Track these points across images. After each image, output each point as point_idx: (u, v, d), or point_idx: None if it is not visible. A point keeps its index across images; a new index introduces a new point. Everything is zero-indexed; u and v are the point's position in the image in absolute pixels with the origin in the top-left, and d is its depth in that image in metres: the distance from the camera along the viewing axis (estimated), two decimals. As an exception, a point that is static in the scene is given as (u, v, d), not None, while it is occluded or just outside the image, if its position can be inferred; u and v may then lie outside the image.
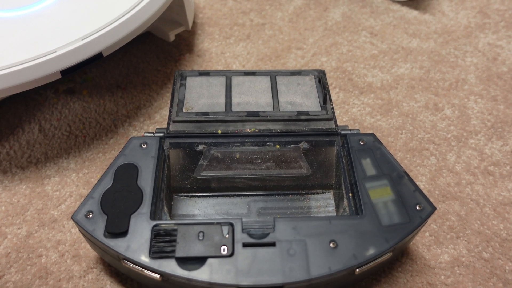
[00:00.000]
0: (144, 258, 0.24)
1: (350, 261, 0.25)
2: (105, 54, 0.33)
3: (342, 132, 0.32)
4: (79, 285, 0.28)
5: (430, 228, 0.32)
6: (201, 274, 0.24)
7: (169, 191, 0.31)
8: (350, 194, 0.29)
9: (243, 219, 0.30)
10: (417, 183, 0.34)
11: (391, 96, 0.41)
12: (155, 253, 0.25)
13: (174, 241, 0.25)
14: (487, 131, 0.38)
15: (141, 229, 0.25)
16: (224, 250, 0.25)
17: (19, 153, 0.36)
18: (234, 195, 0.32)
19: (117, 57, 0.44)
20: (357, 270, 0.25)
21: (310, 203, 0.32)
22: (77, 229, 0.31)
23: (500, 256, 0.30)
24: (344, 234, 0.26)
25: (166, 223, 0.26)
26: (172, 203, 0.31)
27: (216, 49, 0.45)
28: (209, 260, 0.24)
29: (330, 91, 0.40)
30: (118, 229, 0.25)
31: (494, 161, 0.36)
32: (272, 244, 0.25)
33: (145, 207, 0.26)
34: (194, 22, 0.48)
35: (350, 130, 0.32)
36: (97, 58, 0.32)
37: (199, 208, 0.31)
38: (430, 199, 0.33)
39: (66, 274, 0.29)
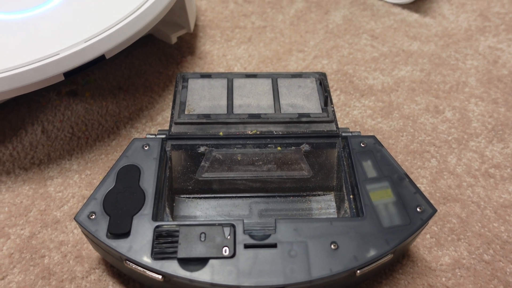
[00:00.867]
0: (146, 259, 0.25)
1: (351, 263, 0.25)
2: (107, 56, 0.33)
3: (343, 134, 0.32)
4: (82, 286, 0.29)
5: (431, 230, 0.32)
6: (202, 275, 0.24)
7: (171, 192, 0.31)
8: (351, 196, 0.29)
9: (245, 221, 0.30)
10: (418, 185, 0.34)
11: (392, 99, 0.41)
12: (157, 254, 0.25)
13: (176, 242, 0.25)
14: (487, 134, 0.38)
15: (143, 230, 0.26)
16: (226, 251, 0.25)
17: (22, 155, 0.36)
18: (235, 197, 0.32)
19: (119, 60, 0.44)
20: (358, 271, 0.25)
21: (311, 205, 0.32)
22: (79, 230, 0.31)
23: (501, 258, 0.30)
24: (345, 235, 0.26)
25: (168, 224, 0.26)
26: (174, 204, 0.31)
27: (217, 51, 0.45)
28: (211, 261, 0.25)
29: (331, 94, 0.40)
30: (120, 230, 0.25)
31: (494, 164, 0.36)
32: (274, 246, 0.25)
33: (147, 208, 0.27)
34: (195, 25, 0.48)
35: (351, 132, 0.32)
36: (100, 60, 0.33)
37: (200, 209, 0.31)
38: (431, 201, 0.33)
39: (69, 274, 0.29)
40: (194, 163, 0.32)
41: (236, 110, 0.33)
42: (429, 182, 0.35)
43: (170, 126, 0.32)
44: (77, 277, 0.29)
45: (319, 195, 0.32)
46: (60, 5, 0.35)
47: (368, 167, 0.29)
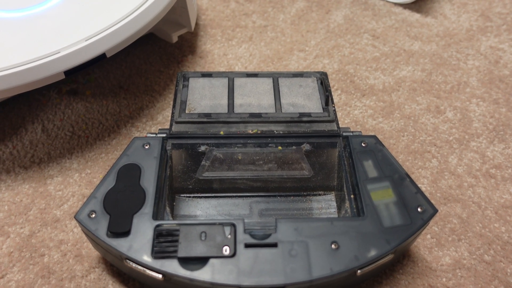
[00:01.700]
0: (146, 258, 0.25)
1: (351, 263, 0.25)
2: (108, 55, 0.33)
3: (344, 134, 0.32)
4: (81, 285, 0.29)
5: (432, 230, 0.32)
6: (203, 274, 0.24)
7: (171, 191, 0.31)
8: (352, 196, 0.29)
9: (245, 220, 0.30)
10: (419, 185, 0.34)
11: (393, 99, 0.41)
12: (157, 253, 0.25)
13: (177, 241, 0.25)
14: (488, 134, 0.38)
15: (143, 229, 0.26)
16: (226, 250, 0.25)
17: (22, 153, 0.36)
18: (236, 196, 0.32)
19: (120, 58, 0.44)
20: (359, 271, 0.25)
21: (311, 205, 0.32)
22: (79, 228, 0.31)
23: (501, 258, 0.30)
24: (346, 235, 0.26)
25: (168, 223, 0.26)
26: (174, 203, 0.31)
27: (218, 50, 0.45)
28: (211, 261, 0.24)
29: (332, 93, 0.40)
30: (120, 229, 0.25)
31: (495, 164, 0.36)
32: (274, 245, 0.25)
33: (148, 207, 0.27)
34: (196, 24, 0.48)
35: (352, 132, 0.32)
36: (101, 59, 0.33)
37: (201, 208, 0.31)
38: (432, 201, 0.33)
39: (69, 273, 0.29)
40: (194, 162, 0.31)
41: (237, 110, 0.33)
42: (430, 182, 0.34)
43: (171, 125, 0.32)
44: (77, 276, 0.29)
45: (319, 194, 0.32)
46: (61, 3, 0.35)
47: (369, 167, 0.29)
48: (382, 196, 0.27)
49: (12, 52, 0.31)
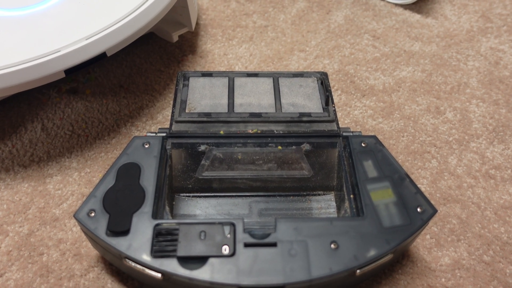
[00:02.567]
0: (146, 257, 0.24)
1: (351, 262, 0.25)
2: (109, 54, 0.33)
3: (344, 134, 0.32)
4: (80, 284, 0.29)
5: (431, 230, 0.32)
6: (202, 273, 0.24)
7: (170, 191, 0.31)
8: (352, 196, 0.29)
9: (245, 220, 0.30)
10: (418, 185, 0.34)
11: (393, 99, 0.41)
12: (156, 252, 0.25)
13: (176, 240, 0.25)
14: (488, 135, 0.38)
15: (143, 228, 0.26)
16: (226, 250, 0.25)
17: (21, 152, 0.36)
18: (235, 196, 0.32)
19: (120, 58, 0.44)
20: (358, 271, 0.25)
21: (311, 205, 0.32)
22: (78, 227, 0.31)
23: (501, 259, 0.30)
24: (345, 235, 0.26)
25: (168, 222, 0.26)
26: (174, 203, 0.31)
27: (218, 50, 0.45)
28: (211, 260, 0.24)
29: (332, 94, 0.40)
30: (120, 228, 0.25)
31: (495, 165, 0.36)
32: (274, 245, 0.25)
33: (147, 206, 0.27)
34: (197, 24, 0.48)
35: (352, 132, 0.32)
36: (101, 58, 0.33)
37: (200, 208, 0.31)
38: (431, 202, 0.33)
39: (67, 272, 0.29)
40: (194, 162, 0.31)
41: (237, 109, 0.33)
42: (429, 182, 0.34)
43: (171, 124, 0.32)
44: (76, 275, 0.29)
45: (319, 194, 0.32)
46: (61, 2, 0.35)
47: (369, 167, 0.29)
48: (381, 196, 0.27)
49: (13, 51, 0.31)
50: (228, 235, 0.25)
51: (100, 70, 0.43)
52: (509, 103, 0.41)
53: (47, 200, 0.33)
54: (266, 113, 0.32)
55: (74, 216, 0.26)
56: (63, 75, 0.32)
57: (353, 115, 0.39)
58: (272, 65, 0.44)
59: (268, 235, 0.25)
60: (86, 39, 0.32)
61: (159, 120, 0.39)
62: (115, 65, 0.43)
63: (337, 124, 0.32)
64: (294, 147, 0.31)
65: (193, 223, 0.26)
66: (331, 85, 0.42)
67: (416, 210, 0.27)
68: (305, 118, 0.32)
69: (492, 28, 0.48)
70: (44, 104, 0.40)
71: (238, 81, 0.35)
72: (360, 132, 0.32)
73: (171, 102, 0.40)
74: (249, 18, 0.49)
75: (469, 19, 0.50)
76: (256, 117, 0.32)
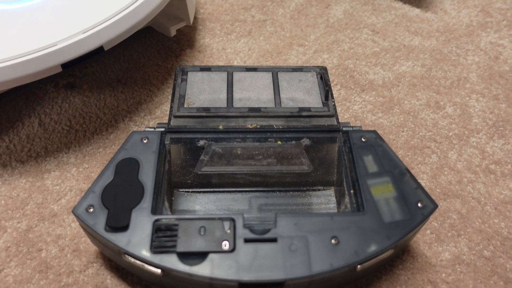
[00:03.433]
0: (145, 253, 0.24)
1: (351, 258, 0.24)
2: (106, 48, 0.32)
3: (344, 129, 0.31)
4: (79, 280, 0.28)
5: (431, 225, 0.32)
6: (202, 269, 0.24)
7: (169, 186, 0.31)
8: (352, 191, 0.29)
9: (244, 215, 0.30)
10: (419, 181, 0.34)
11: (393, 94, 0.41)
12: (156, 248, 0.24)
13: (175, 236, 0.25)
14: (488, 130, 0.38)
15: (142, 223, 0.25)
16: (226, 245, 0.25)
17: (19, 147, 0.36)
18: (235, 191, 0.32)
19: (117, 52, 0.44)
20: (359, 266, 0.25)
21: (311, 200, 0.31)
22: (77, 223, 0.31)
23: (501, 254, 0.30)
24: (346, 230, 0.25)
25: (167, 217, 0.26)
26: (173, 198, 0.31)
27: (217, 45, 0.45)
28: (210, 255, 0.24)
29: (332, 88, 0.40)
30: (119, 223, 0.25)
31: (495, 160, 0.36)
32: (274, 240, 0.25)
33: (146, 202, 0.26)
34: (195, 18, 0.48)
35: (352, 127, 0.32)
36: (98, 52, 0.32)
37: (199, 203, 0.31)
38: (432, 197, 0.33)
39: (66, 268, 0.29)
40: (193, 157, 0.31)
41: (236, 104, 0.32)
42: (429, 177, 0.34)
43: (169, 119, 0.32)
44: (75, 271, 0.29)
45: (319, 190, 0.32)
46: (58, -4, 0.35)
47: (369, 162, 0.29)
48: (382, 191, 0.27)
49: (9, 45, 0.31)
50: (228, 231, 0.25)
51: (98, 64, 0.42)
52: (509, 98, 0.40)
53: (45, 195, 0.33)
54: (266, 107, 0.32)
55: (72, 211, 0.26)
56: (60, 69, 0.31)
57: (353, 110, 0.39)
58: (271, 59, 0.43)
59: (268, 230, 0.25)
60: (83, 33, 0.31)
61: (157, 115, 0.38)
62: (112, 60, 0.43)
63: (337, 118, 0.32)
64: (293, 142, 0.31)
65: (193, 219, 0.26)
66: (330, 80, 0.42)
67: (416, 205, 0.27)
68: (304, 113, 0.32)
69: (492, 22, 0.48)
70: (41, 99, 0.39)
71: (237, 76, 0.35)
72: (360, 127, 0.32)
73: (170, 97, 0.40)
74: (247, 12, 0.49)
75: (468, 13, 0.49)
76: (255, 112, 0.32)
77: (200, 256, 0.24)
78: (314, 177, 0.32)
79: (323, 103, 0.33)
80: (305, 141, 0.31)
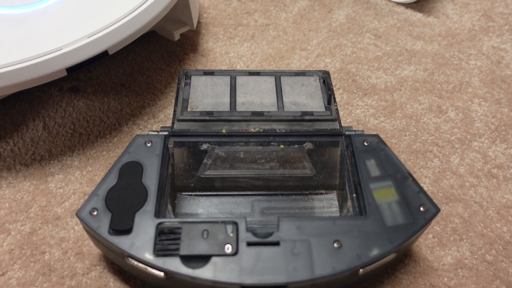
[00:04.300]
0: (148, 256, 0.24)
1: (354, 261, 0.25)
2: (110, 52, 0.33)
3: (347, 133, 0.32)
4: (82, 283, 0.28)
5: (434, 230, 0.32)
6: (205, 272, 0.24)
7: (172, 189, 0.31)
8: (354, 195, 0.29)
9: (247, 219, 0.30)
10: (421, 185, 0.34)
11: (395, 98, 0.41)
12: (159, 251, 0.25)
13: (179, 239, 0.25)
14: (490, 134, 0.38)
15: (145, 226, 0.26)
16: (228, 248, 0.25)
17: (23, 150, 0.36)
18: (237, 195, 0.32)
19: (121, 56, 0.44)
20: (361, 270, 0.25)
21: (313, 204, 0.32)
22: (80, 226, 0.31)
23: (503, 258, 0.30)
24: (348, 234, 0.26)
25: (170, 221, 0.26)
26: (176, 201, 0.31)
27: (220, 49, 0.45)
28: (213, 259, 0.24)
29: (334, 92, 0.40)
30: (122, 227, 0.25)
31: (497, 164, 0.36)
32: (276, 243, 0.25)
33: (150, 205, 0.26)
34: (198, 22, 0.48)
35: (355, 131, 0.32)
36: (103, 56, 0.33)
37: (202, 207, 0.31)
38: (434, 201, 0.33)
39: (69, 271, 0.29)
40: (196, 161, 0.31)
41: (239, 108, 0.33)
42: (431, 182, 0.34)
43: (173, 123, 0.32)
44: (78, 273, 0.29)
45: (321, 193, 0.32)
46: (63, 0, 0.35)
47: (372, 166, 0.29)
48: (384, 195, 0.27)
49: (15, 49, 0.31)
50: (231, 234, 0.25)
51: (102, 68, 0.43)
52: (511, 102, 0.40)
53: (49, 198, 0.33)
54: (268, 111, 0.32)
55: (76, 214, 0.26)
56: (65, 74, 0.32)
57: (355, 114, 0.39)
58: (274, 63, 0.44)
59: (271, 234, 0.25)
60: (88, 37, 0.32)
61: (160, 118, 0.38)
62: (116, 64, 0.43)
63: (340, 122, 0.32)
64: (296, 146, 0.31)
65: (196, 222, 0.26)
66: (333, 84, 0.42)
67: (419, 209, 0.27)
68: (307, 117, 0.32)
69: (494, 27, 0.48)
70: (46, 103, 0.39)
71: (240, 80, 0.35)
72: (363, 131, 0.32)
73: (173, 100, 0.40)
74: (250, 17, 0.49)
75: (470, 18, 0.49)
76: (258, 115, 0.32)
77: (203, 259, 0.24)
78: (317, 181, 0.32)
79: (325, 107, 0.33)
80: (308, 145, 0.31)
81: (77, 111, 0.39)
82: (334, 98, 0.33)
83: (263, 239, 0.25)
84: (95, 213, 0.26)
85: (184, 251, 0.24)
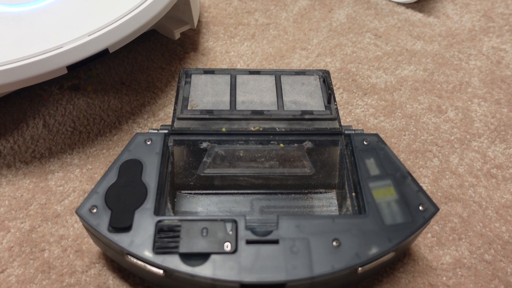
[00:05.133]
0: (148, 253, 0.24)
1: (353, 260, 0.25)
2: (111, 51, 0.33)
3: (346, 132, 0.32)
4: (82, 280, 0.29)
5: (432, 229, 0.32)
6: (204, 270, 0.24)
7: (172, 188, 0.31)
8: (353, 194, 0.29)
9: (247, 217, 0.30)
10: (420, 184, 0.34)
11: (395, 98, 0.41)
12: (158, 249, 0.25)
13: (178, 236, 0.25)
14: (490, 134, 0.38)
15: (145, 224, 0.26)
16: (228, 246, 0.25)
17: (23, 148, 0.36)
18: (237, 193, 0.32)
19: (122, 55, 0.44)
20: (360, 269, 0.25)
21: (312, 202, 0.32)
22: (80, 224, 0.31)
23: (502, 258, 0.30)
24: (347, 233, 0.26)
25: (170, 218, 0.26)
26: (175, 200, 0.31)
27: (220, 48, 0.45)
28: (213, 256, 0.24)
29: (334, 92, 0.40)
30: (122, 224, 0.25)
31: (497, 164, 0.36)
32: (276, 242, 0.25)
33: (149, 203, 0.27)
34: (199, 21, 0.48)
35: (354, 130, 0.32)
36: (103, 54, 0.33)
37: (202, 205, 0.31)
38: (433, 200, 0.33)
39: (69, 269, 0.29)
40: (196, 159, 0.31)
41: (239, 106, 0.33)
42: (431, 181, 0.34)
43: (173, 121, 0.32)
44: (77, 271, 0.29)
45: (320, 192, 0.32)
46: (63, -1, 0.35)
47: (371, 165, 0.29)
48: (384, 194, 0.27)
49: (15, 47, 0.31)
50: (230, 232, 0.25)
51: (102, 67, 0.43)
52: (511, 103, 0.41)
53: (49, 196, 0.33)
54: (268, 110, 0.32)
55: (76, 212, 0.26)
56: (65, 71, 0.32)
57: (355, 114, 0.39)
58: (274, 63, 0.44)
59: (270, 232, 0.25)
60: (88, 35, 0.32)
61: (160, 117, 0.38)
62: (116, 62, 0.43)
63: (339, 122, 0.32)
64: (296, 144, 0.31)
65: (195, 220, 0.26)
66: (333, 83, 0.42)
67: (418, 208, 0.27)
68: (307, 116, 0.32)
69: (494, 27, 0.48)
70: (46, 101, 0.39)
71: (240, 79, 0.35)
72: (362, 130, 0.32)
73: (173, 99, 0.40)
74: (251, 16, 0.49)
75: (471, 18, 0.49)
76: (258, 114, 0.32)
77: (202, 257, 0.24)
78: (316, 179, 0.32)
79: (325, 106, 0.33)
80: (307, 144, 0.31)
81: (77, 109, 0.39)
82: (334, 97, 0.34)
83: (263, 237, 0.25)
84: (95, 210, 0.26)
85: (183, 248, 0.25)
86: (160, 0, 0.35)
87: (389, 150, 0.30)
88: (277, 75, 0.36)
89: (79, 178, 0.34)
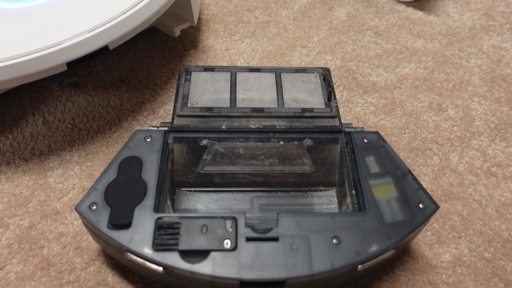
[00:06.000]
0: (147, 250, 0.24)
1: (352, 258, 0.25)
2: (111, 47, 0.33)
3: (346, 129, 0.32)
4: (81, 277, 0.28)
5: (432, 227, 0.32)
6: (204, 267, 0.24)
7: (172, 185, 0.31)
8: (354, 191, 0.29)
9: (246, 214, 0.30)
10: (420, 182, 0.34)
11: (395, 96, 0.41)
12: (158, 246, 0.25)
13: (178, 234, 0.25)
14: (490, 132, 0.38)
15: (144, 221, 0.26)
16: (227, 244, 0.25)
17: (22, 145, 0.36)
18: (237, 191, 0.32)
19: (121, 52, 0.44)
20: (360, 266, 0.25)
21: (312, 200, 0.32)
22: (79, 221, 0.31)
23: (501, 256, 0.30)
24: (347, 230, 0.26)
25: (169, 216, 0.26)
26: (175, 197, 0.31)
27: (220, 45, 0.45)
28: (212, 254, 0.24)
29: (334, 90, 0.40)
30: (121, 221, 0.25)
31: (497, 162, 0.36)
32: (275, 239, 0.25)
33: (149, 200, 0.26)
34: (199, 18, 0.48)
35: (354, 128, 0.32)
36: (103, 51, 0.33)
37: (201, 202, 0.31)
38: (433, 198, 0.33)
39: (68, 266, 0.29)
40: (196, 156, 0.31)
41: (239, 104, 0.33)
42: (431, 179, 0.34)
43: (173, 118, 0.32)
44: (76, 268, 0.29)
45: (320, 190, 0.32)
46: (63, -5, 0.35)
47: (371, 163, 0.29)
48: (384, 192, 0.27)
49: (15, 43, 0.31)
50: (230, 229, 0.25)
51: (102, 64, 0.43)
52: (511, 101, 0.40)
53: (48, 193, 0.33)
54: (268, 108, 0.32)
55: (75, 209, 0.26)
56: (65, 68, 0.32)
57: (355, 112, 0.39)
58: (274, 60, 0.44)
59: (270, 229, 0.25)
60: (88, 32, 0.32)
61: (160, 114, 0.38)
62: (116, 60, 0.43)
63: (339, 119, 0.32)
64: (296, 142, 0.31)
65: (195, 217, 0.26)
66: (333, 81, 0.42)
67: (418, 206, 0.27)
68: (307, 114, 0.32)
69: (495, 26, 0.48)
70: (45, 98, 0.39)
71: (240, 76, 0.35)
72: (362, 128, 0.32)
73: (173, 96, 0.40)
74: (251, 14, 0.49)
75: (471, 16, 0.49)
76: (258, 112, 0.32)
77: (201, 254, 0.24)
78: (316, 177, 0.32)
79: (325, 104, 0.33)
80: (308, 142, 0.31)
81: (76, 106, 0.39)
82: (334, 95, 0.33)
83: (262, 235, 0.25)
84: (94, 207, 0.26)
85: (183, 246, 0.24)
86: (160, -3, 0.35)
87: (389, 148, 0.30)
88: (277, 72, 0.35)
89: (78, 175, 0.34)
